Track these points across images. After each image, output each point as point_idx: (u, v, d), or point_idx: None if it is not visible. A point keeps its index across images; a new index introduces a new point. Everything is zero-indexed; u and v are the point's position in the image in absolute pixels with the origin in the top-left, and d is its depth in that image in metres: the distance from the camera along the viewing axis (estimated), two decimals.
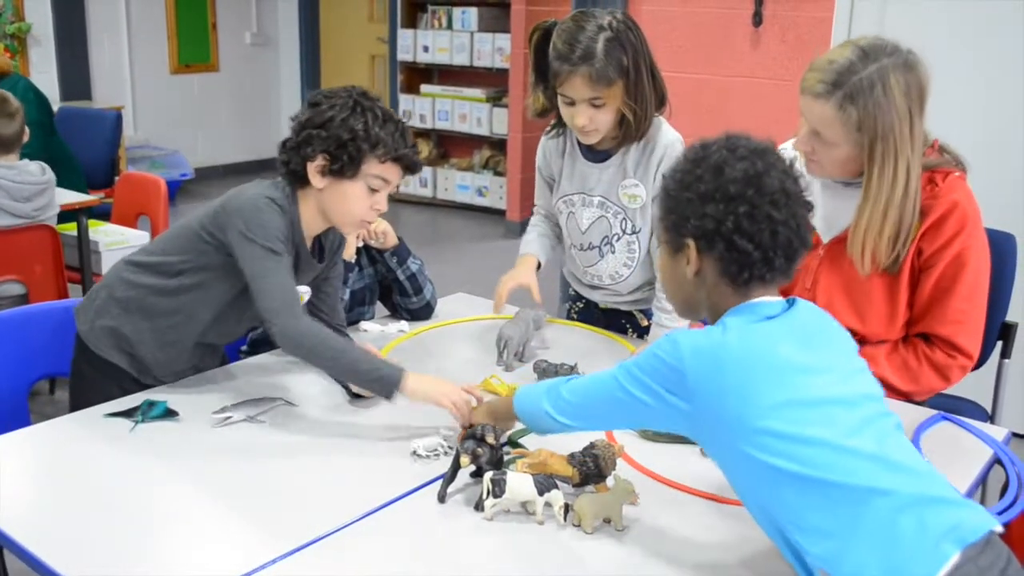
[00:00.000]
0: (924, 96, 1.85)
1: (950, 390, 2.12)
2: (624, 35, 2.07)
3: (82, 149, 4.94)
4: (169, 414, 1.82)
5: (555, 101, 2.18)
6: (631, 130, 2.18)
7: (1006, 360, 2.41)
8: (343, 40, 8.35)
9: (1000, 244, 2.30)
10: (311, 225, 1.94)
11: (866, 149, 1.84)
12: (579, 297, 2.52)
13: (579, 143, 2.29)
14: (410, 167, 1.92)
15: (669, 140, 2.23)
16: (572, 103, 2.11)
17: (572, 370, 2.02)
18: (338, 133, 1.82)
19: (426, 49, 7.24)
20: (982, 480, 1.75)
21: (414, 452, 1.70)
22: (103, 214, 4.27)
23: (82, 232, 3.84)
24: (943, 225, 1.93)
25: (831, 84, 1.82)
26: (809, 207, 1.34)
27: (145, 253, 1.98)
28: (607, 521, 1.49)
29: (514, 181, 6.72)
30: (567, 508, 1.50)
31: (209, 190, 7.59)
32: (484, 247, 6.39)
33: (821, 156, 1.92)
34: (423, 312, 2.45)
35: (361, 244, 2.35)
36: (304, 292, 1.98)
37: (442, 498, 1.57)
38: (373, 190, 1.89)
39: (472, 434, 1.59)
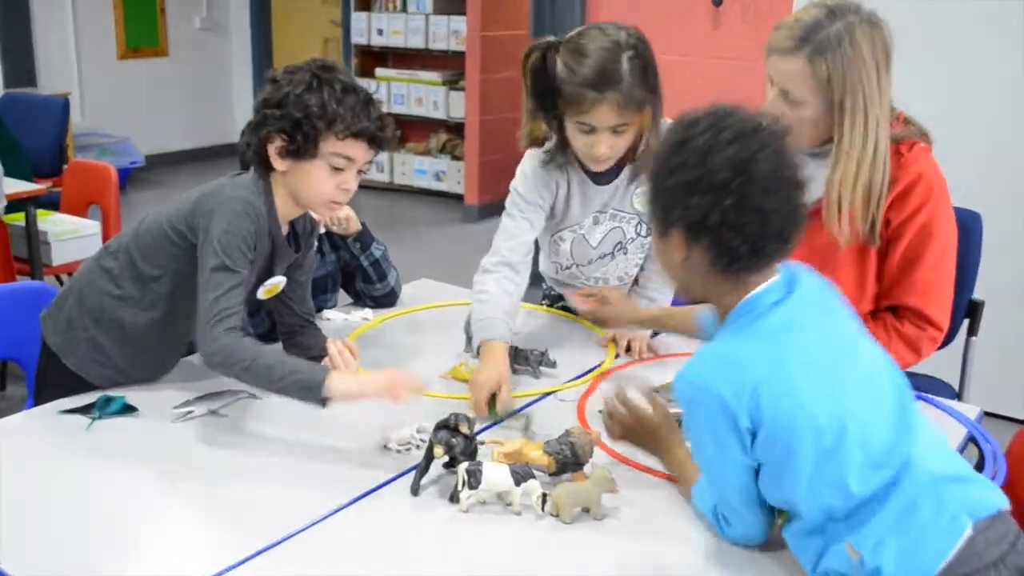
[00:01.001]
0: (889, 55, 1.88)
1: (917, 368, 2.12)
2: (644, 52, 1.89)
3: (28, 137, 4.81)
4: (127, 410, 1.76)
5: (560, 129, 1.98)
6: (647, 150, 1.97)
7: (973, 338, 2.42)
8: (295, 23, 8.20)
9: (966, 222, 2.30)
10: (285, 211, 1.85)
11: (836, 104, 1.86)
12: (561, 296, 2.39)
13: (583, 168, 2.08)
14: (374, 142, 1.80)
15: None
16: (591, 131, 1.91)
17: (543, 356, 1.98)
18: (291, 112, 1.73)
19: (380, 32, 7.13)
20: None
21: (385, 446, 1.66)
22: (51, 203, 4.15)
23: (30, 223, 3.73)
24: (909, 195, 1.94)
25: (799, 40, 1.85)
26: (802, 186, 1.27)
27: (113, 257, 1.85)
28: (585, 510, 1.46)
29: (472, 165, 6.66)
30: (545, 498, 1.46)
31: (161, 177, 7.43)
32: (443, 232, 6.33)
33: (790, 120, 1.87)
34: (387, 299, 2.39)
35: (323, 230, 2.28)
36: (280, 282, 1.91)
37: (415, 490, 1.52)
38: (337, 169, 1.79)
39: (445, 424, 1.54)
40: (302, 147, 1.75)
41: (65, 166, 4.70)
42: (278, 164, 1.78)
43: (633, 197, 2.12)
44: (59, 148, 5.23)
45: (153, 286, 1.82)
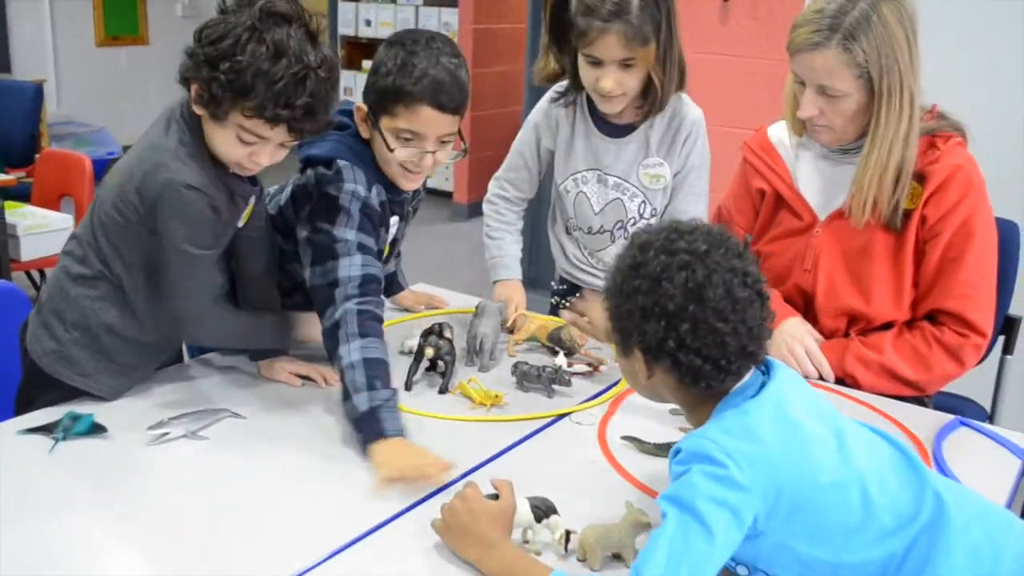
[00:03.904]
0: (915, 26, 1.85)
1: (947, 387, 2.00)
2: None
3: None
4: (96, 429, 1.57)
5: (572, 64, 2.01)
6: (656, 100, 2.00)
7: (1008, 356, 2.28)
8: None
9: (1003, 232, 2.16)
10: None
11: (876, 86, 1.80)
12: (572, 289, 2.29)
13: (593, 116, 2.11)
14: (293, 130, 1.54)
15: (696, 116, 2.10)
16: (599, 64, 1.94)
17: (557, 373, 1.81)
18: (210, 63, 1.50)
19: (368, 23, 6.96)
20: (1015, 492, 1.59)
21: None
22: (22, 195, 3.98)
23: None
24: (947, 189, 1.86)
25: (828, 29, 1.79)
26: (766, 298, 1.22)
27: (78, 261, 1.66)
28: (616, 557, 1.29)
29: (462, 162, 6.48)
30: (568, 536, 1.29)
31: None
32: (430, 231, 6.15)
33: (830, 116, 1.85)
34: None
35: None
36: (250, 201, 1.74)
37: (409, 386, 1.77)
38: (245, 143, 1.56)
39: (431, 331, 1.82)
40: (210, 107, 1.54)
41: (37, 156, 4.52)
42: (196, 108, 1.58)
43: (640, 169, 2.11)
44: (32, 136, 5.04)
45: (131, 275, 1.65)
